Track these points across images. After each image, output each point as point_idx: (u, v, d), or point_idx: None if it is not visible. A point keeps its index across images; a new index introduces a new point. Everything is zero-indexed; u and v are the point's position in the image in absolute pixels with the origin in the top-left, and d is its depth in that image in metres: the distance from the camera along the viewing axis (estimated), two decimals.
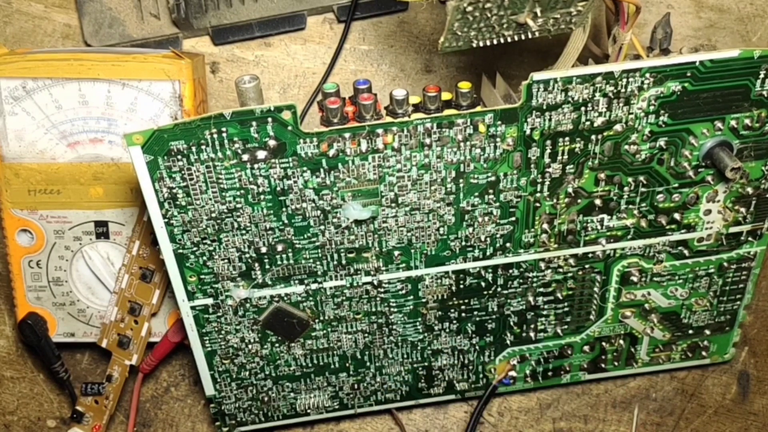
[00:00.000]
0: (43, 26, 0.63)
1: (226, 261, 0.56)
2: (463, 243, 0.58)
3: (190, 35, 0.63)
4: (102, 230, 0.62)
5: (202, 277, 0.57)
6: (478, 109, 0.53)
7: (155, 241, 0.57)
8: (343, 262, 0.57)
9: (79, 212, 0.61)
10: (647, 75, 0.53)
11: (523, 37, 0.52)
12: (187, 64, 0.58)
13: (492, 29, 0.50)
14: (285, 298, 0.59)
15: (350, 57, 0.65)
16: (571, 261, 0.60)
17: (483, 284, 0.60)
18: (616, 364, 0.67)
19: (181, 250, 0.55)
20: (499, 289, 0.61)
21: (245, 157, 0.52)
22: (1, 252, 0.66)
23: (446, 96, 0.55)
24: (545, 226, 0.58)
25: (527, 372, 0.66)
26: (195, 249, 0.55)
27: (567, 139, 0.54)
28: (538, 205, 0.57)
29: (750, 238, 0.61)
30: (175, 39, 0.63)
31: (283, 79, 0.65)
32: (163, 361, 0.67)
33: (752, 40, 0.67)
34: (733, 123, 0.55)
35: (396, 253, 0.57)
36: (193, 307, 0.58)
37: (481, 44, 0.52)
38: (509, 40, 0.52)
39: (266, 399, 0.64)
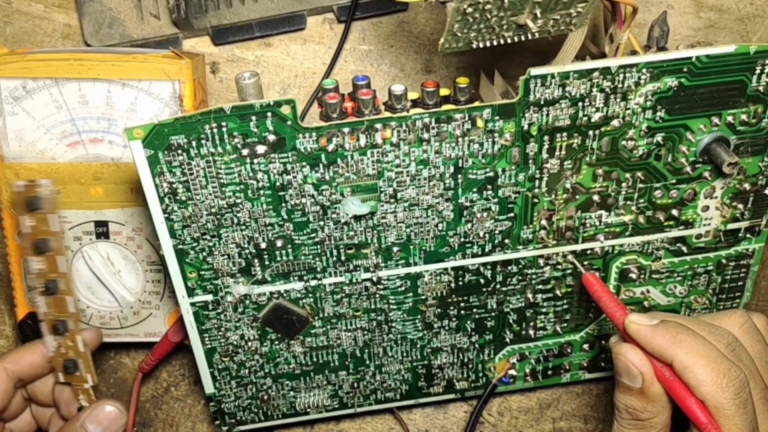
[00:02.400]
0: (43, 26, 0.64)
1: (225, 257, 0.56)
2: (462, 239, 0.58)
3: (190, 35, 0.63)
4: (102, 230, 0.62)
5: (202, 273, 0.57)
6: (476, 104, 0.53)
7: (42, 247, 0.56)
8: (343, 258, 0.58)
9: (79, 212, 0.61)
10: (644, 70, 0.53)
11: (522, 38, 0.52)
12: (187, 64, 0.58)
13: (492, 30, 0.51)
14: (284, 295, 0.59)
15: (350, 57, 0.65)
16: (570, 257, 0.60)
17: (482, 281, 0.60)
18: None
19: (181, 246, 0.55)
20: (498, 286, 0.61)
21: (245, 151, 0.52)
22: (1, 252, 0.66)
23: (444, 92, 0.56)
24: (544, 222, 0.58)
25: (527, 371, 0.66)
26: (195, 245, 0.55)
27: (564, 134, 0.55)
28: (536, 200, 0.57)
29: (748, 235, 0.61)
30: (175, 39, 0.63)
31: (283, 79, 0.65)
32: (163, 361, 0.67)
33: (752, 40, 0.67)
34: (729, 119, 0.55)
35: (395, 249, 0.58)
36: (192, 304, 0.58)
37: (481, 45, 0.52)
38: (509, 41, 0.52)
39: (266, 397, 0.64)
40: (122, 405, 0.58)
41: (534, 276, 0.61)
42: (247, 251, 0.56)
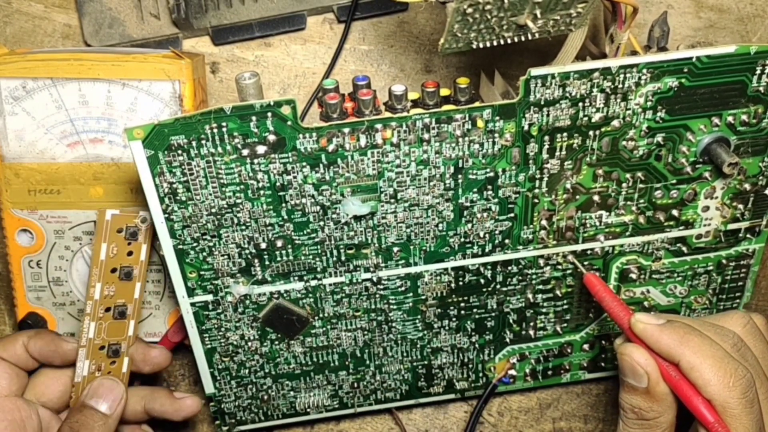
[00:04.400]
0: (43, 26, 0.63)
1: (225, 257, 0.56)
2: (462, 239, 0.58)
3: (190, 35, 0.63)
4: None
5: (202, 273, 0.57)
6: (477, 104, 0.53)
7: (125, 274, 0.58)
8: (343, 258, 0.58)
9: (79, 212, 0.61)
10: (644, 71, 0.53)
11: (523, 38, 0.52)
12: (187, 64, 0.58)
13: (492, 31, 0.51)
14: (284, 295, 0.59)
15: (350, 57, 0.65)
16: (570, 257, 0.60)
17: (482, 281, 0.60)
18: (616, 363, 0.67)
19: (181, 246, 0.55)
20: (498, 286, 0.61)
21: (245, 152, 0.52)
22: (1, 252, 0.66)
23: (445, 92, 0.56)
24: (544, 222, 0.58)
25: (527, 371, 0.66)
26: (195, 245, 0.55)
27: (565, 134, 0.55)
28: (536, 201, 0.57)
29: (748, 235, 0.61)
30: (175, 39, 0.63)
31: (283, 79, 0.65)
32: None
33: (752, 40, 0.67)
34: (730, 119, 0.55)
35: (395, 249, 0.58)
36: (192, 304, 0.58)
37: (481, 45, 0.52)
38: (509, 41, 0.52)
39: (266, 397, 0.64)
40: (115, 377, 0.60)
41: (534, 276, 0.61)
42: (247, 251, 0.56)
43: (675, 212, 0.59)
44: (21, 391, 0.59)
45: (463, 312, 0.62)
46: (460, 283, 0.60)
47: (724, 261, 0.62)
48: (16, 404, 0.58)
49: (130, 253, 0.58)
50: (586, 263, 0.61)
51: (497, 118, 0.53)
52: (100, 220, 0.57)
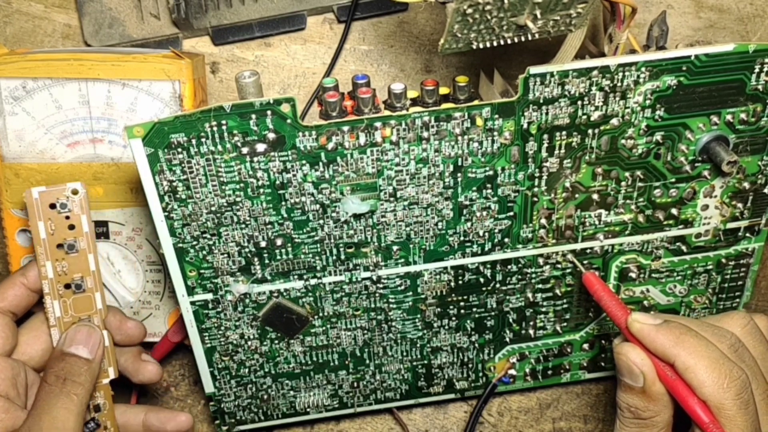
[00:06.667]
0: (43, 26, 0.64)
1: (225, 255, 0.56)
2: (462, 238, 0.58)
3: (190, 35, 0.64)
4: (102, 230, 0.62)
5: (202, 271, 0.57)
6: (476, 102, 0.53)
7: (69, 247, 0.57)
8: (342, 257, 0.58)
9: None
10: (643, 69, 0.53)
11: (522, 38, 0.52)
12: (187, 64, 0.58)
13: (492, 31, 0.51)
14: (284, 294, 0.59)
15: (350, 57, 0.65)
16: (569, 256, 0.60)
17: (482, 280, 0.60)
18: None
19: (181, 244, 0.55)
20: (497, 285, 0.61)
21: (245, 150, 0.52)
22: (1, 252, 0.66)
23: (444, 90, 0.56)
24: (543, 221, 0.58)
25: (527, 370, 0.66)
26: (195, 243, 0.56)
27: (564, 133, 0.55)
28: (535, 199, 0.57)
29: (748, 234, 0.61)
30: (175, 39, 0.63)
31: (283, 79, 0.65)
32: (163, 361, 0.67)
33: (752, 40, 0.67)
34: (728, 117, 0.55)
35: (395, 248, 0.58)
36: (192, 303, 0.58)
37: (481, 46, 0.52)
38: (509, 41, 0.52)
39: (266, 397, 0.64)
40: (91, 324, 0.59)
41: (534, 275, 0.61)
42: (246, 250, 0.56)
43: (674, 211, 0.59)
44: (12, 350, 0.59)
45: (462, 311, 0.62)
46: (460, 282, 0.60)
47: (723, 260, 0.62)
48: (8, 363, 0.57)
49: (71, 227, 0.57)
50: (585, 262, 0.61)
51: (496, 116, 0.53)
52: (28, 201, 0.57)
